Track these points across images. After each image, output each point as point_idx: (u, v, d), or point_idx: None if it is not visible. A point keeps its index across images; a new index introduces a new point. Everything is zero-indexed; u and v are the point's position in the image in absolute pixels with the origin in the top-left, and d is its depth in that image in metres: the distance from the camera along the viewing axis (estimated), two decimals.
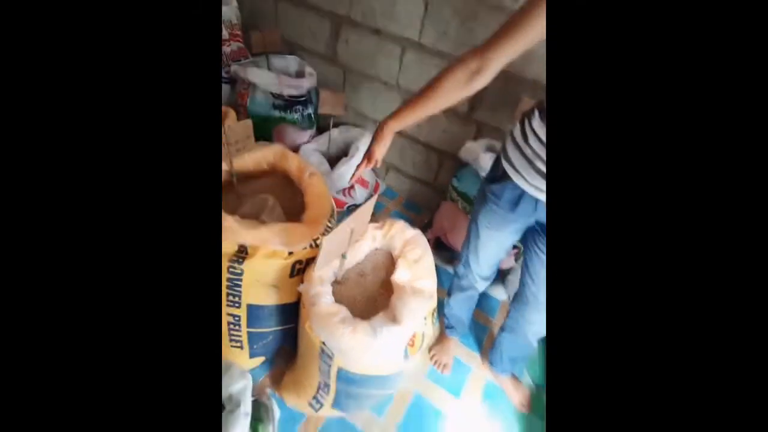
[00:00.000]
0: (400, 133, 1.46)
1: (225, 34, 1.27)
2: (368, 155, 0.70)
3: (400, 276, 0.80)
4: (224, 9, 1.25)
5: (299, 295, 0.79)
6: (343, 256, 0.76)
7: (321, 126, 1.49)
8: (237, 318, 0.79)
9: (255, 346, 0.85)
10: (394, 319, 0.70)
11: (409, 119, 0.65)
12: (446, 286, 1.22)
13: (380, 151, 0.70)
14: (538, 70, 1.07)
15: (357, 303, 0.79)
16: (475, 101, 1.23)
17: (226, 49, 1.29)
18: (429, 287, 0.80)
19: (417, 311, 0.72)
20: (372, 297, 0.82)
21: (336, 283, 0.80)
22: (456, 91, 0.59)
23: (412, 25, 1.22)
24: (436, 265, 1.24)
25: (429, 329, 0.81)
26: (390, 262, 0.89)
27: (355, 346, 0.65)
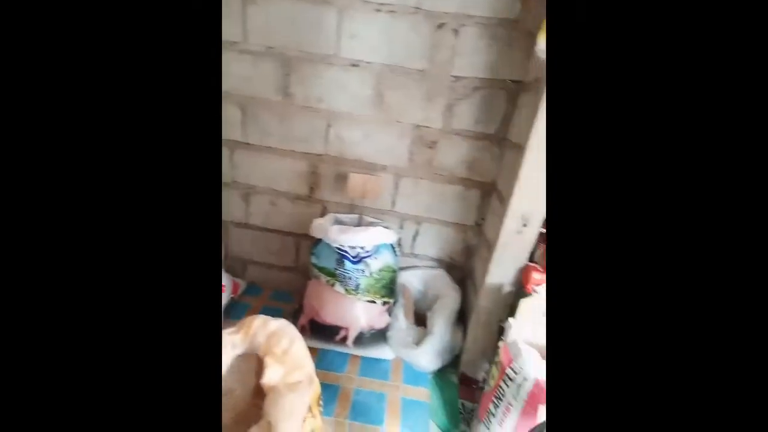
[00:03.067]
0: (247, 225, 1.44)
1: None
2: None
3: (270, 376, 0.73)
4: None
5: None
6: None
7: None
8: None
9: None
10: (269, 429, 0.61)
11: None
12: (333, 367, 1.17)
13: None
14: (360, 151, 1.27)
15: (227, 430, 0.67)
16: (314, 184, 1.35)
17: None
18: (305, 376, 0.75)
19: (294, 409, 0.66)
20: (244, 413, 0.71)
21: None
22: None
23: (234, 128, 1.30)
24: (319, 348, 1.19)
25: (317, 420, 0.74)
26: (259, 365, 0.81)
27: None
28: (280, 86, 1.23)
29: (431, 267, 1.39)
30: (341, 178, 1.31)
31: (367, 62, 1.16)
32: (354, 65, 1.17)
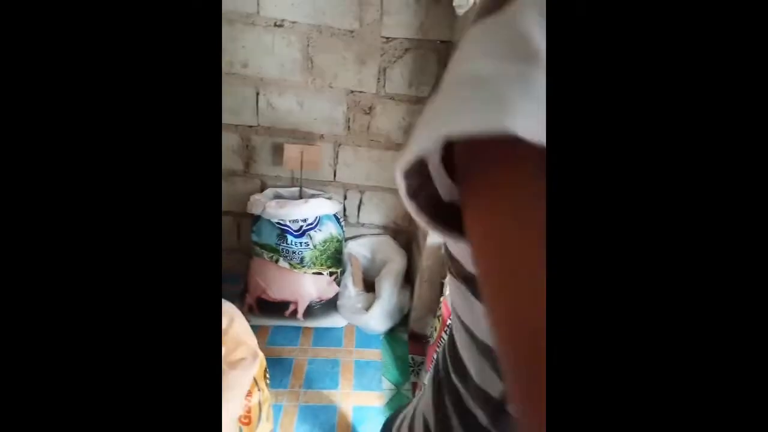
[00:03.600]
0: None
1: None
2: None
3: None
4: None
5: None
6: None
7: None
8: None
9: None
10: None
11: None
12: (286, 342, 1.17)
13: None
14: (295, 120, 1.21)
15: None
16: (249, 158, 1.27)
17: None
18: (249, 352, 0.75)
19: (237, 384, 0.65)
20: None
21: None
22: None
23: None
24: (269, 325, 1.18)
25: (265, 393, 0.75)
26: None
27: None
28: None
29: (377, 234, 1.41)
30: (278, 150, 1.25)
31: (292, 21, 1.08)
32: (278, 25, 1.08)
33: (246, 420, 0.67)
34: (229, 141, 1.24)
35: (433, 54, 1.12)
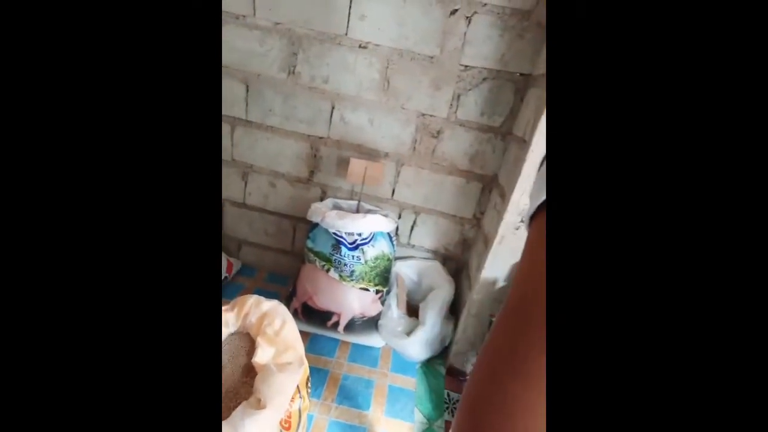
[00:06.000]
0: (244, 205, 1.43)
1: None
2: None
3: (261, 356, 0.73)
4: None
5: None
6: None
7: None
8: None
9: None
10: (258, 405, 0.61)
11: None
12: (324, 352, 1.18)
13: None
14: (363, 136, 1.26)
15: None
16: (314, 167, 1.33)
17: None
18: (296, 358, 0.75)
19: (284, 388, 0.66)
20: (233, 389, 0.71)
21: None
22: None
23: (237, 105, 1.27)
24: (309, 332, 1.20)
25: (305, 401, 0.75)
26: (251, 345, 0.81)
27: None
28: (286, 64, 1.20)
29: (427, 258, 1.39)
30: (342, 163, 1.29)
31: (376, 44, 1.13)
32: (362, 47, 1.14)
33: (286, 425, 0.66)
34: (299, 149, 1.31)
35: (511, 85, 1.11)
